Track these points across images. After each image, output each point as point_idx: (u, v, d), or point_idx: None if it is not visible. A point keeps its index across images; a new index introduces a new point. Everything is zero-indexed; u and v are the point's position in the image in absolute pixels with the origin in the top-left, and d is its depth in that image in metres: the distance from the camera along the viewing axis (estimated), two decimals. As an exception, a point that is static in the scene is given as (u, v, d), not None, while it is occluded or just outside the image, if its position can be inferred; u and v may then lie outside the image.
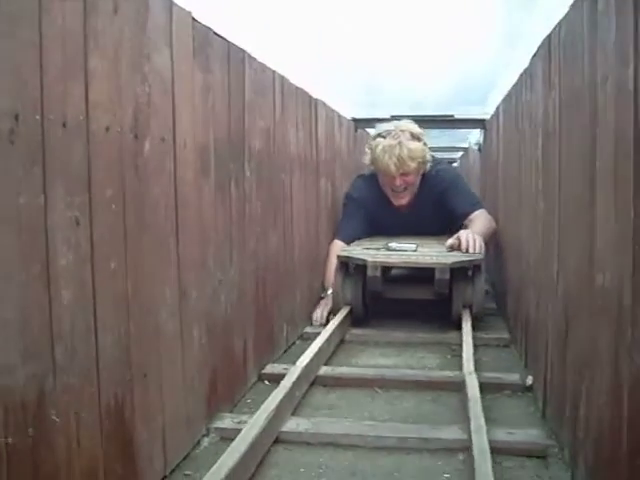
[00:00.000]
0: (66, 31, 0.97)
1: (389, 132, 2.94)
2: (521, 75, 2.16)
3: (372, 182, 3.16)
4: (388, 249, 2.65)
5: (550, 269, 1.59)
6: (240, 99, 1.78)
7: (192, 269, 1.46)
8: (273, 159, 2.14)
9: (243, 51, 1.79)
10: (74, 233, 0.99)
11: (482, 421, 1.40)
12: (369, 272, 2.45)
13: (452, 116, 3.84)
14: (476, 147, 4.43)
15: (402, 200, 3.07)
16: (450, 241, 2.61)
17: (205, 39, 1.52)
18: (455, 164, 6.84)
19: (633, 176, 0.92)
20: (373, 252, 2.63)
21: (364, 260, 2.47)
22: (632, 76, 0.92)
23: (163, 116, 1.30)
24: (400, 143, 2.87)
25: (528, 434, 1.49)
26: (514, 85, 2.38)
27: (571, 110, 1.34)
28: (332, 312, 2.60)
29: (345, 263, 2.60)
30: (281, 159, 2.24)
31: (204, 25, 1.50)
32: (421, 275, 2.63)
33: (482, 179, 4.09)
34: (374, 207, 3.15)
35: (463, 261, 2.46)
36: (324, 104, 2.92)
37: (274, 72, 2.10)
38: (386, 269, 2.63)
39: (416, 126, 3.01)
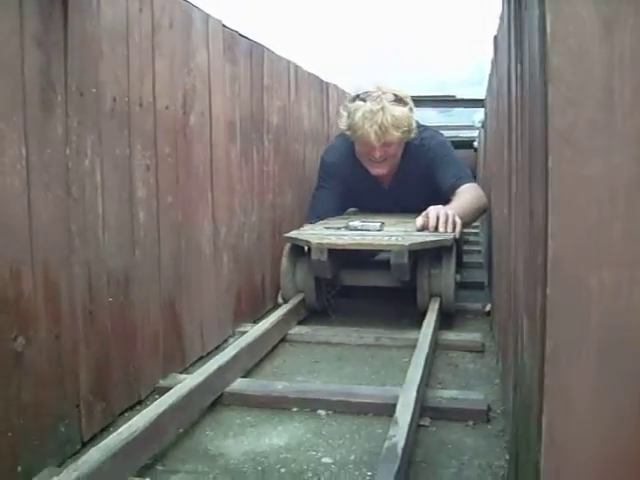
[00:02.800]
0: (142, 45, 1.49)
1: (369, 94, 2.46)
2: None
3: (349, 150, 2.69)
4: (348, 228, 2.29)
5: (497, 218, 2.08)
6: (259, 84, 2.29)
7: (223, 210, 1.98)
8: (289, 132, 2.65)
9: (262, 46, 2.30)
10: (146, 175, 1.52)
11: (432, 323, 1.91)
12: (313, 256, 2.06)
13: (454, 96, 4.28)
14: (479, 125, 4.87)
15: (379, 170, 2.64)
16: (419, 220, 2.22)
17: (233, 40, 2.03)
18: (475, 143, 7.27)
19: (507, 140, 1.41)
20: (327, 232, 2.24)
21: (308, 242, 2.10)
22: (506, 77, 1.40)
23: (203, 98, 1.82)
24: (383, 108, 2.41)
25: (472, 336, 2.00)
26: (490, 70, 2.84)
27: (500, 95, 1.82)
28: (283, 299, 2.33)
29: (296, 245, 2.26)
30: (295, 132, 2.75)
31: (232, 29, 2.01)
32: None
33: (483, 155, 4.53)
34: (352, 180, 2.74)
35: (426, 242, 2.05)
36: (335, 86, 3.41)
37: (289, 62, 2.61)
38: (352, 252, 2.11)
39: (401, 87, 2.55)
